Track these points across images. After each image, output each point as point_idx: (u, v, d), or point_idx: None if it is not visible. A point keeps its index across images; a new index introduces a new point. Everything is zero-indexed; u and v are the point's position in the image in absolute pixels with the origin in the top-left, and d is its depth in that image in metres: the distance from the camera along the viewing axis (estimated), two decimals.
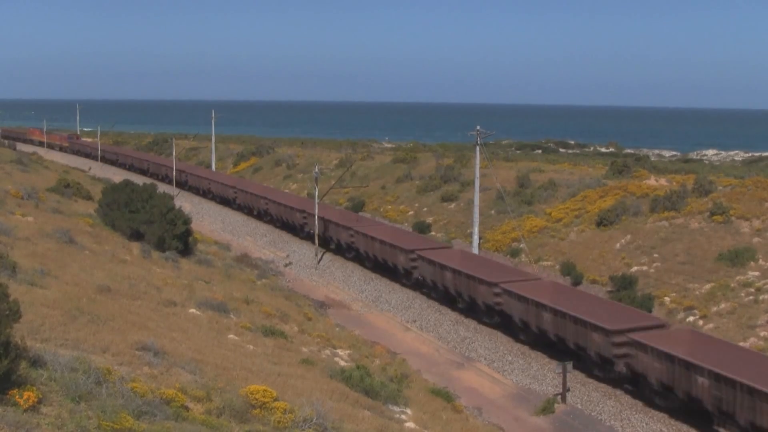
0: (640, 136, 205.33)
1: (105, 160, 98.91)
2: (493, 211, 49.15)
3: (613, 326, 27.06)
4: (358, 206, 59.23)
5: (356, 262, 46.49)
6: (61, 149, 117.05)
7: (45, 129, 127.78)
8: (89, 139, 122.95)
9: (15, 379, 10.28)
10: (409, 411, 19.95)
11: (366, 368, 21.53)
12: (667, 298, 33.34)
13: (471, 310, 35.74)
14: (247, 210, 62.79)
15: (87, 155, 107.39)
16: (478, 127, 43.63)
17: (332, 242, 48.95)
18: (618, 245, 39.49)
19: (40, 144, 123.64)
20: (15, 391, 10.00)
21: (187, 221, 36.89)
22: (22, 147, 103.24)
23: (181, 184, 75.87)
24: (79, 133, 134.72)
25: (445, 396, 24.82)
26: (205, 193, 71.90)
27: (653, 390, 25.58)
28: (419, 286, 39.98)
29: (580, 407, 26.67)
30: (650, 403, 25.95)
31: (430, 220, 52.77)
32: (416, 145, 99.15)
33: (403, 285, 41.18)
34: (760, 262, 33.44)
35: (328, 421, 13.30)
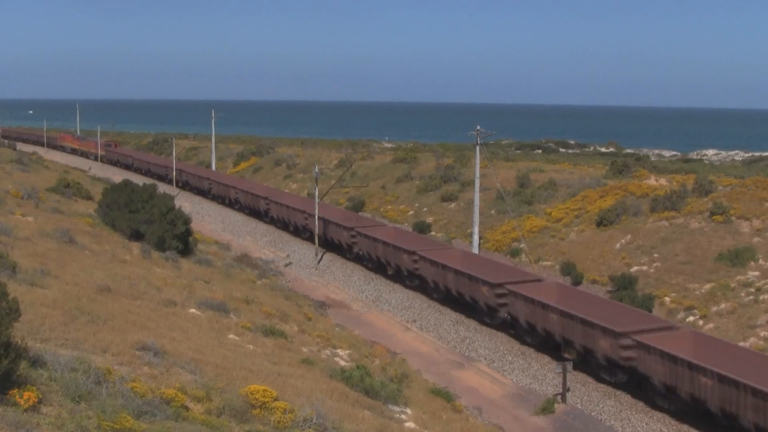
0: (640, 136, 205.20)
1: (104, 159, 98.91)
2: (493, 211, 49.16)
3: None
4: (358, 206, 59.25)
5: (356, 262, 46.51)
6: (96, 158, 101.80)
7: (45, 129, 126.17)
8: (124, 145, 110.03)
9: (15, 379, 10.28)
10: (409, 411, 19.95)
11: (366, 368, 21.52)
12: (667, 298, 33.34)
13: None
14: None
15: (128, 167, 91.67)
16: (478, 127, 43.65)
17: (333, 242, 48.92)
18: (618, 245, 39.50)
19: (73, 152, 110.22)
20: (15, 391, 10.00)
21: (187, 221, 36.89)
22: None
23: (182, 184, 75.90)
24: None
25: (445, 396, 24.82)
26: (205, 193, 71.94)
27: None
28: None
29: (580, 407, 26.66)
30: (653, 404, 25.85)
31: (430, 220, 52.77)
32: (416, 145, 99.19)
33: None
34: (760, 262, 33.45)
35: (328, 421, 13.30)
